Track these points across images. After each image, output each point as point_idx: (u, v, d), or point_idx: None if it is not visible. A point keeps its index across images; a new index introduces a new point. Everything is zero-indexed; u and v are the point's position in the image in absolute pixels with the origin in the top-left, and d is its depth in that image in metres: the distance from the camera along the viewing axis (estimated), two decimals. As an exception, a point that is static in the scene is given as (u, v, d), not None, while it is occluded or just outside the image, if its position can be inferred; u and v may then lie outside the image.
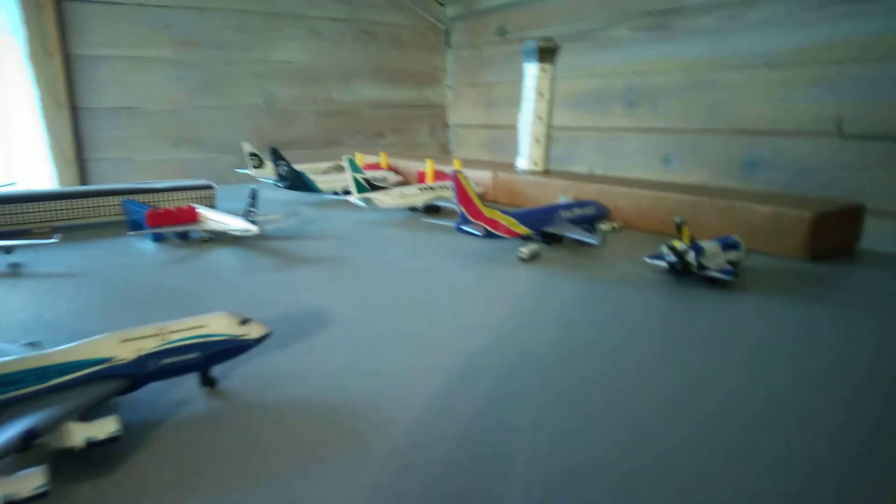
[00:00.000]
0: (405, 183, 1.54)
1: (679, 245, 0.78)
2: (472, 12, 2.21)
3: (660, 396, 0.50)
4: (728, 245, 0.82)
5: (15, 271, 0.87)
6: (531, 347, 0.61)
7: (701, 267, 0.77)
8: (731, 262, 0.80)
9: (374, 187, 1.27)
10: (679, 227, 0.78)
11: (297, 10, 2.03)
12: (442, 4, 2.29)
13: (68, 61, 1.69)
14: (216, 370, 0.51)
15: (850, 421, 0.47)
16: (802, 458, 0.42)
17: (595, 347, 0.61)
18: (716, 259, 0.79)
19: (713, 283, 0.78)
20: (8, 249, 0.92)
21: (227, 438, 0.44)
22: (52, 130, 1.66)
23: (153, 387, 0.48)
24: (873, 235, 1.00)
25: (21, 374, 0.41)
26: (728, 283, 0.77)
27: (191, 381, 0.51)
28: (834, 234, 0.93)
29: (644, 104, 1.64)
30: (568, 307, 0.73)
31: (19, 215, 1.10)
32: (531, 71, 1.31)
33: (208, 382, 0.51)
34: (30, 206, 1.11)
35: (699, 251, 0.77)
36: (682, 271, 0.79)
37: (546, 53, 1.28)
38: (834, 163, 1.26)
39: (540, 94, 1.30)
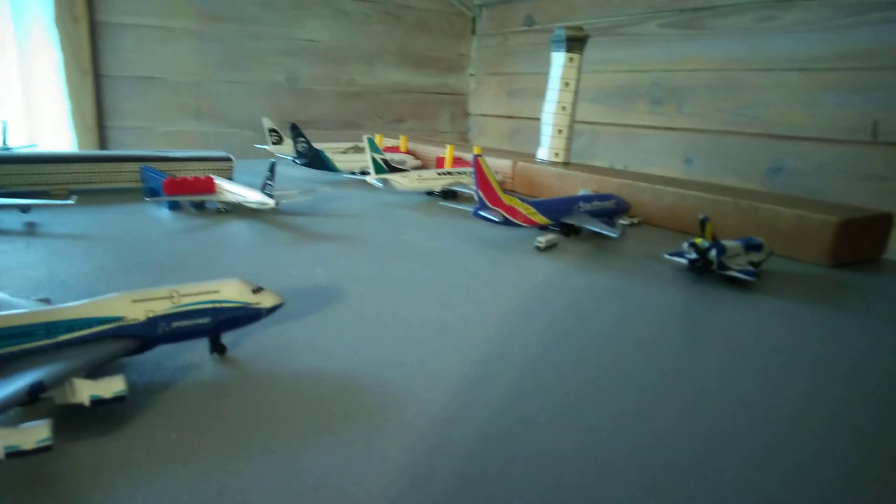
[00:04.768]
0: (423, 167, 1.53)
1: (701, 242, 0.76)
2: (500, 0, 2.18)
3: (678, 393, 0.49)
4: (751, 246, 0.80)
5: (31, 230, 0.87)
6: (546, 336, 0.59)
7: (722, 266, 0.75)
8: (752, 263, 0.78)
9: (393, 169, 1.26)
10: (702, 224, 0.76)
11: (324, -12, 2.02)
12: (470, -9, 2.27)
13: (94, 28, 1.69)
14: (226, 338, 0.51)
15: (873, 425, 0.46)
16: (827, 461, 0.41)
17: (611, 340, 0.59)
18: (737, 259, 0.77)
19: (733, 282, 0.76)
20: (25, 209, 0.92)
21: (235, 405, 0.43)
22: (74, 96, 1.66)
23: (162, 350, 0.48)
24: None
25: (31, 328, 0.41)
26: (749, 283, 0.75)
27: (200, 348, 0.51)
28: (859, 242, 0.91)
29: (669, 102, 1.62)
30: (584, 298, 0.71)
31: (38, 175, 1.10)
32: (558, 60, 1.29)
33: (218, 349, 0.50)
34: (49, 168, 1.10)
35: (721, 250, 0.75)
36: (702, 269, 0.77)
37: (575, 43, 1.26)
38: (862, 172, 1.23)
39: (566, 83, 1.28)
